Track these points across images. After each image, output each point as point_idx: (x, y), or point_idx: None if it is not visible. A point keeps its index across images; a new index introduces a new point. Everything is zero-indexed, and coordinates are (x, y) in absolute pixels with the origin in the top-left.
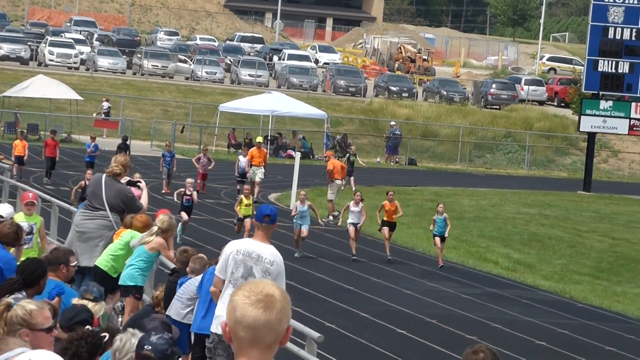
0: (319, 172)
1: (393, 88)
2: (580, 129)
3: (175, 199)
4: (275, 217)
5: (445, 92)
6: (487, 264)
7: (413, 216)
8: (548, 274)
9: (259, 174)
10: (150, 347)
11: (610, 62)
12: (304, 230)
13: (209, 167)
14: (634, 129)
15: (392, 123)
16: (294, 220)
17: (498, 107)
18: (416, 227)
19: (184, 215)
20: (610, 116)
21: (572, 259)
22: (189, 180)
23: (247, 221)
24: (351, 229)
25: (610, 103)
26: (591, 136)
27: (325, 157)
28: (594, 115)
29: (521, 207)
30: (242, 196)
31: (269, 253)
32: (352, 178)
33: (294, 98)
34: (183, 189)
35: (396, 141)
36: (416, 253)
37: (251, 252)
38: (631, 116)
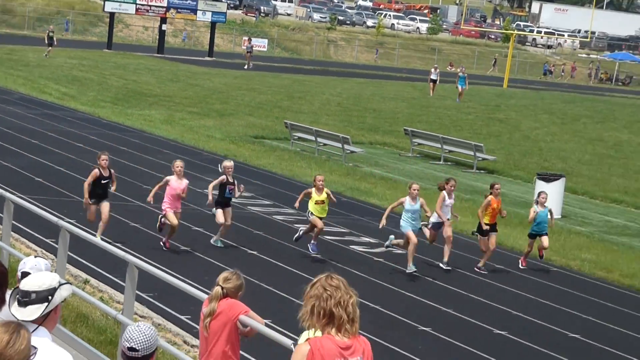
0: None
1: None
2: None
3: (210, 192)
4: None
5: None
6: (45, 95)
7: None
8: (85, 101)
9: None
10: None
11: None
12: (414, 237)
13: None
14: None
15: None
16: (403, 223)
17: None
18: None
19: (220, 214)
20: None
21: (100, 92)
22: (227, 163)
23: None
24: (430, 233)
25: None
26: None
27: None
28: None
29: (67, 60)
30: (314, 189)
31: None
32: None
33: None
34: (224, 176)
35: None
36: None
37: None
38: None
